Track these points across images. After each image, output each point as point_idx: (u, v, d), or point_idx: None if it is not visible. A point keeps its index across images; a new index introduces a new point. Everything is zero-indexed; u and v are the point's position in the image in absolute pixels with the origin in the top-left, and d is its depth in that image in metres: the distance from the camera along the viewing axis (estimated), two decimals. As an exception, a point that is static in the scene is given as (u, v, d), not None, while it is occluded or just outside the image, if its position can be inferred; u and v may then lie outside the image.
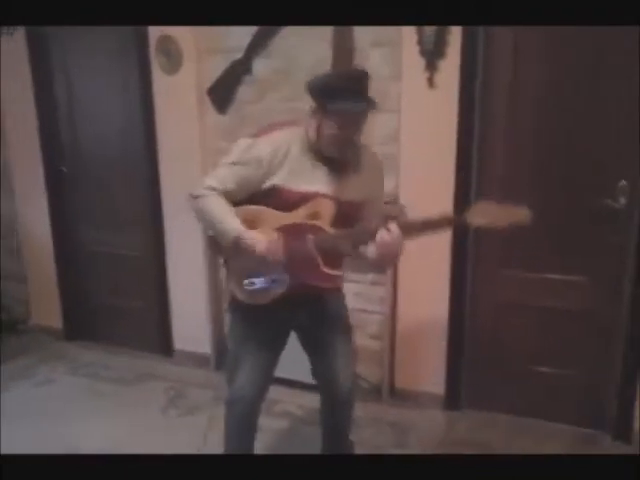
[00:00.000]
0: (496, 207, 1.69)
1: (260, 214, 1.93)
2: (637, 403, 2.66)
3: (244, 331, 2.10)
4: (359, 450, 2.60)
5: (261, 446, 2.45)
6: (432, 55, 2.68)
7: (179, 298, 3.58)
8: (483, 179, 2.79)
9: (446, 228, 1.85)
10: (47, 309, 4.00)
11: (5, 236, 4.01)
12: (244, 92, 3.12)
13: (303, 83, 2.97)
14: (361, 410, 3.01)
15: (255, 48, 3.02)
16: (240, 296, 2.01)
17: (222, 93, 3.18)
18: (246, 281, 1.93)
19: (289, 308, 1.99)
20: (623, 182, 2.55)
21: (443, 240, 2.83)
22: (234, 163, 1.94)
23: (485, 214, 1.70)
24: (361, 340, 3.19)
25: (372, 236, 1.79)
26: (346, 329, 2.22)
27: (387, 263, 1.95)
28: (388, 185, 2.87)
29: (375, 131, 2.90)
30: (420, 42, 2.68)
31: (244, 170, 1.92)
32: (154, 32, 3.20)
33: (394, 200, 2.88)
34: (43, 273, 3.95)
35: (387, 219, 1.85)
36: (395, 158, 2.86)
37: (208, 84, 3.18)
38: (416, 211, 2.84)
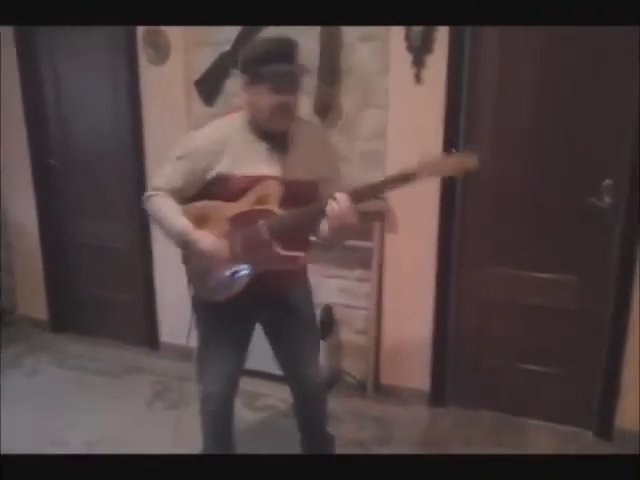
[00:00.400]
0: (443, 158, 1.74)
1: (210, 209, 1.90)
2: (619, 401, 2.67)
3: (209, 329, 2.08)
4: (343, 445, 2.61)
5: (244, 439, 2.44)
6: (419, 51, 2.66)
7: (165, 291, 3.57)
8: (469, 176, 2.77)
9: (397, 186, 1.77)
10: (34, 300, 3.99)
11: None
12: (231, 84, 3.09)
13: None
14: (345, 405, 3.04)
15: (243, 40, 2.99)
16: (201, 294, 2.00)
17: (210, 85, 3.16)
18: (228, 273, 1.89)
19: (252, 303, 1.96)
20: (608, 181, 2.54)
21: (429, 236, 2.84)
22: (177, 158, 1.93)
23: (432, 167, 1.73)
24: (346, 335, 3.20)
25: (323, 210, 1.76)
26: (311, 324, 2.19)
27: (341, 235, 1.84)
28: (374, 181, 2.89)
29: (362, 126, 2.90)
30: (407, 38, 2.66)
31: (186, 164, 1.90)
32: (142, 24, 3.17)
33: (380, 196, 2.87)
34: (30, 264, 3.94)
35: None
36: (382, 153, 2.85)
37: (196, 76, 3.16)
38: (402, 207, 2.86)
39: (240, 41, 3.01)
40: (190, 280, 2.03)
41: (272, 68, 1.77)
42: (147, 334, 3.67)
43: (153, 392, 3.21)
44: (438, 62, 2.65)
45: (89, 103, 3.55)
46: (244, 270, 1.88)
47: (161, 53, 3.19)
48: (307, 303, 2.17)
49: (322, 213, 1.77)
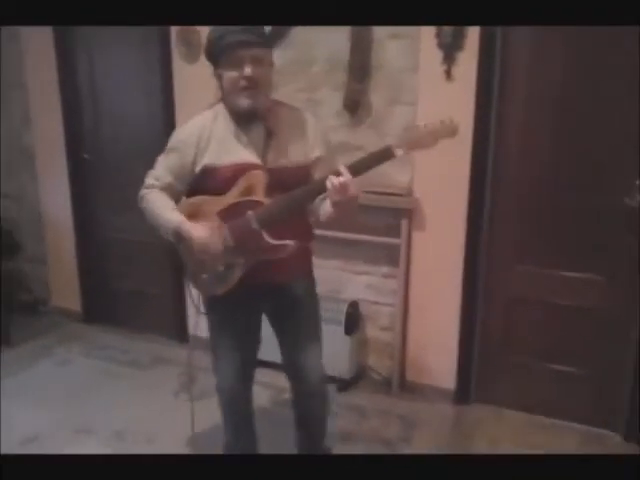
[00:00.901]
0: (422, 129, 1.72)
1: (201, 204, 1.90)
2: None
3: (217, 323, 2.09)
4: (369, 442, 2.62)
5: (269, 433, 2.47)
6: (450, 48, 2.66)
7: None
8: (498, 173, 2.77)
9: (385, 160, 1.75)
10: (67, 292, 4.09)
11: (29, 220, 4.09)
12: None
13: (320, 74, 3.02)
14: (370, 402, 3.05)
15: (274, 39, 3.02)
16: (199, 288, 2.00)
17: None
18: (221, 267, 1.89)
19: (255, 295, 1.97)
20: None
21: (457, 234, 2.83)
22: (166, 153, 1.96)
23: (411, 139, 1.72)
24: (372, 332, 3.21)
25: (319, 188, 1.74)
26: (313, 317, 2.16)
27: (347, 210, 1.77)
28: (403, 178, 2.90)
29: (392, 123, 2.91)
30: (438, 35, 2.66)
31: (175, 158, 1.93)
32: (175, 21, 3.23)
33: (408, 193, 2.87)
34: (64, 257, 4.03)
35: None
36: (411, 150, 2.85)
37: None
38: (430, 204, 2.86)
39: (271, 39, 3.04)
40: (187, 275, 2.03)
41: (229, 38, 1.76)
42: (176, 326, 3.73)
43: (180, 383, 3.25)
44: (469, 59, 2.65)
45: (122, 99, 3.63)
46: (237, 262, 1.87)
47: (193, 50, 3.23)
48: (310, 295, 2.15)
49: (319, 191, 1.75)
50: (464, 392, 3.02)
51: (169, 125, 3.39)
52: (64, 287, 4.11)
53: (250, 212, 1.81)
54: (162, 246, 3.64)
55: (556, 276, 2.75)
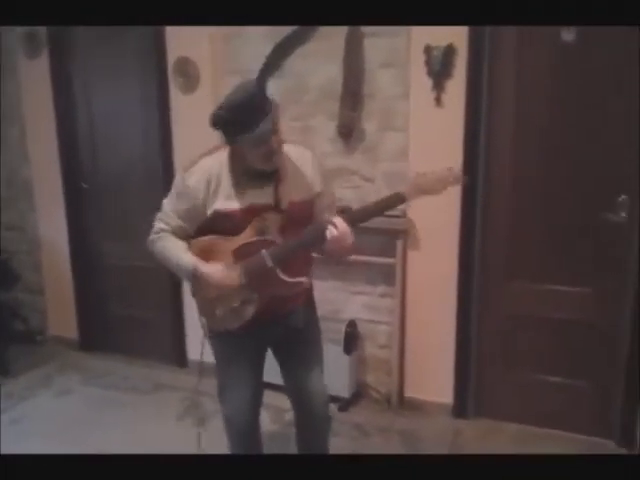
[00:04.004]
0: (430, 176, 1.81)
1: (213, 244, 1.96)
2: (640, 411, 2.74)
3: (225, 357, 2.12)
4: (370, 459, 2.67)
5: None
6: (439, 75, 2.80)
7: (193, 309, 3.64)
8: (488, 194, 2.89)
9: (390, 208, 1.88)
10: (64, 320, 4.10)
11: (27, 251, 4.13)
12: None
13: (314, 103, 3.13)
14: (370, 419, 3.11)
15: (269, 69, 3.13)
16: (212, 325, 2.06)
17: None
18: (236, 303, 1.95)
19: (260, 327, 2.00)
20: (623, 197, 2.64)
21: (451, 252, 2.94)
22: (173, 199, 2.00)
23: (420, 186, 1.82)
24: (371, 350, 3.29)
25: (322, 235, 1.83)
26: (317, 342, 2.23)
27: (341, 256, 1.93)
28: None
29: (384, 148, 3.03)
30: (428, 63, 2.80)
31: (183, 204, 1.96)
32: (172, 53, 3.35)
33: (402, 214, 2.98)
34: (61, 285, 4.06)
35: (336, 213, 1.92)
36: (404, 174, 2.96)
37: (224, 104, 3.30)
38: (424, 224, 2.97)
39: (266, 69, 3.15)
40: (201, 312, 2.08)
41: (249, 136, 1.79)
42: (175, 352, 3.77)
43: (183, 408, 3.29)
44: (457, 86, 2.79)
45: (120, 129, 3.71)
46: (252, 298, 1.94)
47: (190, 81, 3.34)
48: (313, 320, 2.22)
49: (322, 237, 1.84)
50: (462, 406, 3.10)
51: (166, 154, 3.50)
52: (61, 316, 4.13)
53: (264, 251, 1.89)
54: (158, 272, 3.73)
55: (548, 290, 2.86)
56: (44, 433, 3.07)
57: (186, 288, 3.62)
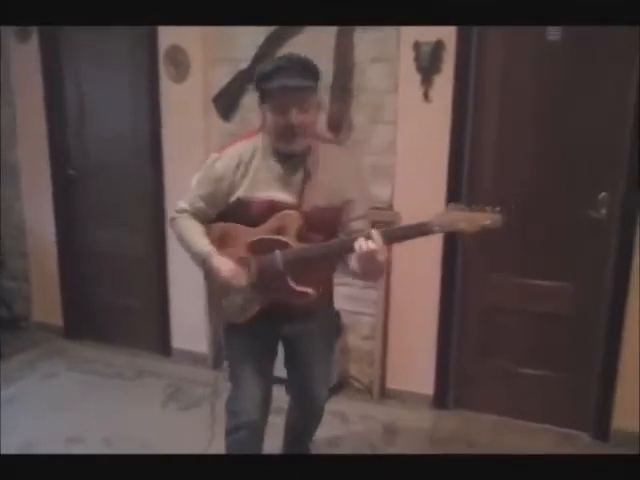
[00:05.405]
0: (467, 212, 1.66)
1: (231, 231, 1.93)
2: (615, 403, 2.80)
3: (237, 352, 2.08)
4: (353, 447, 2.71)
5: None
6: (428, 71, 2.84)
7: (178, 299, 3.69)
8: (473, 189, 2.94)
9: (423, 235, 1.72)
10: (49, 307, 4.09)
11: (12, 237, 4.10)
12: (248, 101, 3.25)
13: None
14: (353, 409, 3.15)
15: (261, 59, 3.16)
16: (217, 316, 2.06)
17: (227, 101, 3.33)
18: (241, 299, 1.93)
19: (274, 322, 1.98)
20: (604, 194, 2.71)
21: (434, 244, 2.97)
22: (199, 181, 1.97)
23: (456, 219, 1.66)
24: (353, 341, 3.33)
25: (349, 247, 1.70)
26: (329, 346, 2.21)
27: (373, 276, 1.78)
28: (384, 193, 3.05)
29: (373, 141, 3.07)
30: (417, 59, 2.84)
31: (209, 187, 1.93)
32: (163, 42, 3.35)
33: (388, 207, 3.02)
34: (46, 272, 4.05)
35: (374, 226, 1.80)
36: (391, 167, 3.01)
37: (214, 93, 3.33)
38: (410, 217, 3.01)
39: (258, 59, 3.19)
40: (209, 301, 2.09)
41: (275, 83, 1.74)
42: (159, 340, 3.78)
43: (166, 395, 3.30)
44: (445, 82, 2.83)
45: (110, 117, 3.70)
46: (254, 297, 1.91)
47: (181, 70, 3.34)
48: (329, 323, 2.19)
49: (349, 249, 1.71)
50: (442, 397, 3.15)
51: (155, 141, 3.50)
52: (46, 302, 4.12)
53: (278, 252, 1.82)
54: (144, 260, 3.74)
55: (528, 284, 2.92)
56: (31, 412, 3.11)
57: (172, 277, 3.66)
